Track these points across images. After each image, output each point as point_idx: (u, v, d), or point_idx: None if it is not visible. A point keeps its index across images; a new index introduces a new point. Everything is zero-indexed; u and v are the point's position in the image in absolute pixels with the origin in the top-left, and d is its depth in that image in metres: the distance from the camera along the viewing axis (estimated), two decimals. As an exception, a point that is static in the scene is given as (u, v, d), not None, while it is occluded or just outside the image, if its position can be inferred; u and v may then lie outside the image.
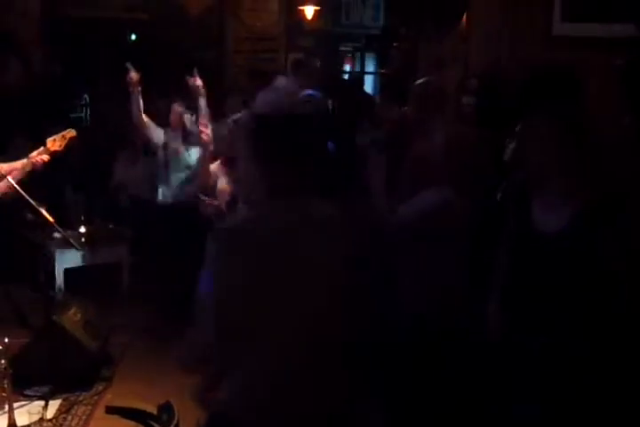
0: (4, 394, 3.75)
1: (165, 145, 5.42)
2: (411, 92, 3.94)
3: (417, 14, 5.36)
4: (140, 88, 5.21)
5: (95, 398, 4.10)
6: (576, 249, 2.41)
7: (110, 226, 5.88)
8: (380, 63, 7.37)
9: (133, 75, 5.17)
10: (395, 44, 6.40)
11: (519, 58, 4.47)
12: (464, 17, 5.33)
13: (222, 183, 4.27)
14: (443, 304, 2.90)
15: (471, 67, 4.75)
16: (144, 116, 5.39)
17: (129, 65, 5.21)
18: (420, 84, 3.90)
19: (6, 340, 3.72)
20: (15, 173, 4.17)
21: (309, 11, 9.24)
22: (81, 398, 4.07)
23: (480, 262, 2.84)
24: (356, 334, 2.01)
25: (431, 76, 4.00)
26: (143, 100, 5.38)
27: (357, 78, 9.26)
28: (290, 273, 1.95)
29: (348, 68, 10.80)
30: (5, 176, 4.05)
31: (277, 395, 1.99)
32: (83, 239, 5.26)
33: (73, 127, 4.52)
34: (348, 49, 10.35)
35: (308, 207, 2.00)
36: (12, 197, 4.48)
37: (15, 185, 4.00)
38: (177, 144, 5.47)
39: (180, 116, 5.49)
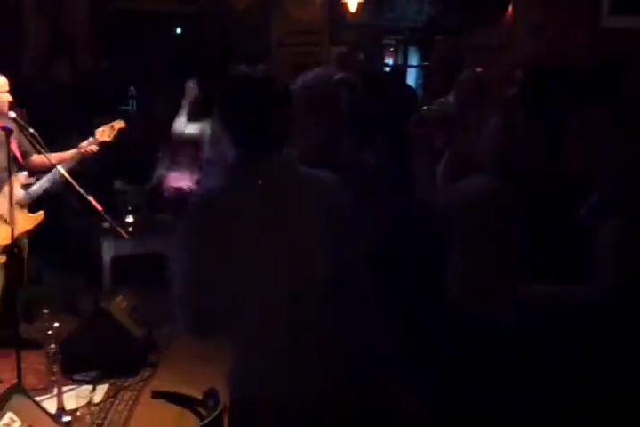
0: (53, 378, 3.87)
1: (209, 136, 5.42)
2: (455, 83, 3.95)
3: (462, 6, 5.34)
4: (194, 104, 5.24)
5: (141, 383, 4.19)
6: None
7: (156, 216, 5.97)
8: (423, 56, 7.34)
9: (192, 89, 5.20)
10: (439, 37, 6.38)
11: (566, 50, 4.43)
12: (509, 8, 5.30)
13: None
14: (481, 294, 2.86)
15: (517, 58, 4.72)
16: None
17: (192, 82, 5.25)
18: (465, 75, 3.90)
19: (56, 325, 3.83)
20: (65, 162, 4.27)
21: (352, 4, 9.23)
22: (127, 384, 4.16)
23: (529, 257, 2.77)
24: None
25: (475, 68, 3.99)
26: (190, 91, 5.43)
27: (399, 71, 9.22)
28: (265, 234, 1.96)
29: (390, 61, 10.76)
30: (56, 166, 4.15)
31: (277, 363, 2.02)
32: (130, 229, 5.34)
33: (120, 119, 4.61)
34: (391, 42, 10.32)
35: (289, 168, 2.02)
36: (61, 187, 4.62)
37: (65, 174, 4.10)
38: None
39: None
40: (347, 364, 2.04)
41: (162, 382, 4.18)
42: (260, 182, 1.95)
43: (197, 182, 5.88)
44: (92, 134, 4.46)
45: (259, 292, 1.99)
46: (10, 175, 3.73)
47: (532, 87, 4.02)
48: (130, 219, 5.56)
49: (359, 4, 9.20)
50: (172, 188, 5.97)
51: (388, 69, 10.31)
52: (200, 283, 1.99)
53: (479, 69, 4.01)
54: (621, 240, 2.39)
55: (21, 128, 4.04)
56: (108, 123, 4.51)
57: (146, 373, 4.31)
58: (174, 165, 6.43)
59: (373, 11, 9.48)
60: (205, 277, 1.98)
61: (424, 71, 7.64)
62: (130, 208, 5.66)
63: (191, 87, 5.21)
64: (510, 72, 4.52)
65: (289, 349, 2.01)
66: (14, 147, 4.01)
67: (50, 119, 5.30)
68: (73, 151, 4.39)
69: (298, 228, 1.97)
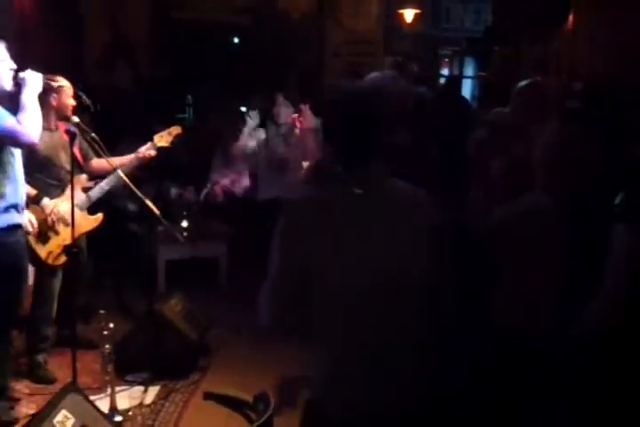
0: (107, 378, 3.93)
1: (267, 142, 5.43)
2: (513, 94, 3.90)
3: (520, 17, 5.29)
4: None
5: (192, 386, 4.23)
6: None
7: (210, 222, 6.05)
8: (479, 66, 7.30)
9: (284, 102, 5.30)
10: (496, 47, 6.34)
11: (628, 61, 4.35)
12: (568, 19, 5.23)
13: None
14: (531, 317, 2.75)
15: (577, 69, 4.65)
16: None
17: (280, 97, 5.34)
18: (523, 86, 3.85)
19: (111, 325, 3.90)
20: (124, 167, 4.35)
21: (409, 14, 9.25)
22: (178, 386, 4.20)
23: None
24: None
25: (535, 78, 3.95)
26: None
27: (454, 82, 9.18)
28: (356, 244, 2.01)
29: (446, 71, 10.72)
30: (116, 170, 4.24)
31: (363, 371, 2.04)
32: (185, 233, 5.42)
33: (178, 125, 4.69)
34: (447, 52, 10.28)
35: (382, 184, 2.06)
36: (119, 190, 4.72)
37: (125, 178, 4.18)
38: (279, 140, 5.47)
39: (286, 112, 5.52)
40: (427, 374, 2.07)
41: (212, 385, 4.21)
42: (358, 191, 2.02)
43: (249, 186, 5.96)
44: (150, 139, 4.55)
45: (347, 295, 2.03)
46: (72, 178, 3.82)
47: (593, 99, 3.95)
48: (185, 224, 5.64)
49: (416, 14, 9.21)
50: (224, 188, 6.04)
51: (443, 80, 10.28)
52: (292, 279, 2.08)
53: (538, 79, 3.96)
54: None
55: (83, 132, 4.13)
56: (165, 129, 4.60)
57: (196, 376, 4.35)
58: (227, 169, 6.53)
59: (430, 21, 9.48)
60: (297, 275, 2.07)
61: (480, 82, 7.58)
62: (185, 213, 5.74)
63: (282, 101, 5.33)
64: (570, 83, 4.46)
65: (373, 355, 2.04)
66: (76, 150, 4.11)
67: (108, 123, 5.42)
68: (131, 156, 4.48)
69: (392, 236, 2.02)
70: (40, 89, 3.58)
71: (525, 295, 2.70)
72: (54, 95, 4.17)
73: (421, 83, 6.12)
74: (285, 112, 5.51)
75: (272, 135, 5.48)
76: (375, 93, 2.09)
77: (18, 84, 3.52)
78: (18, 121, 3.37)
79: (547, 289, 2.66)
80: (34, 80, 3.54)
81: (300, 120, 5.06)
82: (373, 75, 5.05)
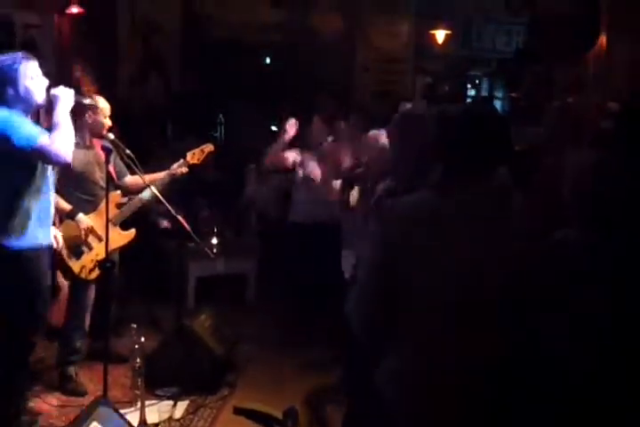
0: (137, 392, 3.96)
1: (302, 163, 5.40)
2: (545, 114, 3.88)
3: (553, 38, 5.30)
4: (291, 136, 5.31)
5: (220, 402, 4.24)
6: None
7: (240, 239, 6.10)
8: (509, 88, 7.31)
9: (293, 124, 5.28)
10: (528, 68, 6.35)
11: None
12: (598, 40, 5.22)
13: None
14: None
15: (611, 90, 4.64)
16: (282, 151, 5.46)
17: (292, 121, 5.35)
18: (557, 107, 3.84)
19: (142, 340, 3.93)
20: (157, 183, 4.41)
21: (440, 35, 9.29)
22: (207, 401, 4.22)
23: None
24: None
25: (568, 99, 3.93)
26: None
27: (485, 103, 9.20)
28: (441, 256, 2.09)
29: (474, 92, 10.74)
30: (149, 186, 4.29)
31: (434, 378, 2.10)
32: (214, 250, 5.46)
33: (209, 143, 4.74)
34: (478, 73, 10.31)
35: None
36: (150, 207, 4.78)
37: (158, 194, 4.23)
38: (314, 160, 5.42)
39: (322, 132, 5.48)
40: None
41: (240, 400, 4.22)
42: (458, 203, 2.13)
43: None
44: (182, 156, 4.61)
45: (433, 302, 2.10)
46: (107, 194, 3.89)
47: (630, 122, 3.88)
48: (215, 240, 5.69)
49: (446, 35, 9.25)
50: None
51: (472, 100, 10.30)
52: (385, 283, 2.16)
53: (570, 100, 3.95)
54: None
55: (119, 149, 4.20)
56: (197, 146, 4.66)
57: (225, 391, 4.37)
58: (260, 187, 6.60)
59: (461, 42, 9.51)
60: (390, 282, 2.15)
61: (510, 103, 7.59)
62: (215, 230, 5.80)
63: (292, 124, 5.29)
64: (604, 104, 4.43)
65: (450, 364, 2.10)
66: (111, 167, 4.17)
67: (141, 140, 5.50)
68: (164, 173, 4.54)
69: (481, 248, 2.10)
70: (72, 105, 3.54)
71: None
72: (89, 113, 4.25)
73: (451, 103, 6.11)
74: (321, 132, 5.50)
75: (306, 155, 5.48)
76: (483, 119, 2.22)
77: (51, 100, 3.50)
78: (51, 139, 3.32)
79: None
80: (66, 97, 3.51)
81: (334, 140, 5.04)
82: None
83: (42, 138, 3.31)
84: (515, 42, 8.64)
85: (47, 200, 3.54)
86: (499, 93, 10.38)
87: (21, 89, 3.39)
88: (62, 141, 3.35)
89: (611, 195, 2.40)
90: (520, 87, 6.18)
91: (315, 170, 5.30)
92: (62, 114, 3.46)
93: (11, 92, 3.36)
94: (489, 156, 2.20)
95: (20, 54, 3.46)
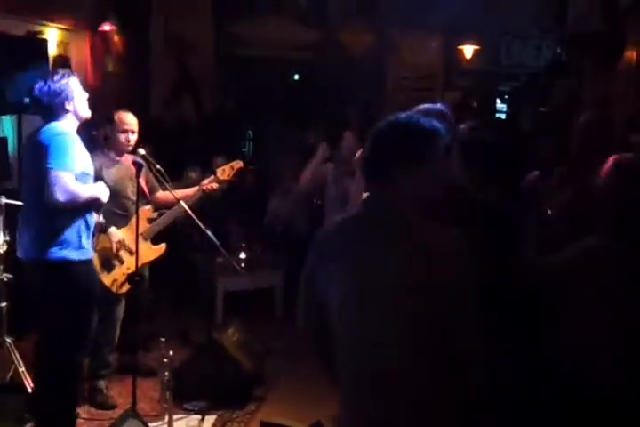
0: (165, 405, 3.98)
1: (336, 180, 5.44)
2: (575, 128, 3.85)
3: (583, 51, 5.29)
4: (323, 159, 5.36)
5: (248, 416, 4.25)
6: None
7: (267, 253, 6.12)
8: (539, 102, 7.29)
9: (325, 148, 5.35)
10: (557, 82, 6.33)
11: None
12: (624, 52, 5.17)
13: None
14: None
15: (640, 104, 4.60)
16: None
17: (325, 145, 5.42)
18: (586, 120, 3.79)
19: (171, 353, 3.96)
20: (187, 199, 4.46)
21: (469, 50, 9.30)
22: (235, 416, 4.23)
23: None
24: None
25: (598, 112, 3.90)
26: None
27: (514, 117, 9.17)
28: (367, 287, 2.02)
29: (504, 107, 10.70)
30: (179, 201, 4.34)
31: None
32: (242, 265, 5.49)
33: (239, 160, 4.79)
34: (506, 88, 10.28)
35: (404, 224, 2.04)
36: (182, 222, 4.82)
37: (188, 210, 4.27)
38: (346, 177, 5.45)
39: (354, 148, 5.50)
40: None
41: (268, 415, 4.21)
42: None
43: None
44: (211, 173, 4.65)
45: (364, 329, 2.03)
46: (137, 208, 3.94)
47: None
48: (243, 255, 5.72)
49: (475, 50, 9.26)
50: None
51: (502, 115, 10.27)
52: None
53: (600, 112, 3.91)
54: None
55: (150, 164, 4.26)
56: (226, 163, 4.71)
57: (252, 406, 4.37)
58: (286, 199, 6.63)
59: (489, 57, 9.51)
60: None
61: (539, 116, 7.56)
62: (244, 245, 5.83)
63: (324, 148, 5.36)
64: (633, 117, 4.40)
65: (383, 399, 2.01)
66: (143, 182, 4.24)
67: (171, 156, 5.56)
68: (195, 188, 4.59)
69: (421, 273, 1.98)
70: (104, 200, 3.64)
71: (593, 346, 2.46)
72: (118, 130, 4.34)
73: (480, 118, 6.13)
74: (353, 147, 5.51)
75: (337, 172, 5.53)
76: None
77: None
78: (66, 179, 3.35)
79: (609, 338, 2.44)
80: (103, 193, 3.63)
81: None
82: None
83: (63, 171, 3.35)
84: (543, 57, 8.62)
85: (92, 213, 3.65)
86: (528, 108, 10.32)
87: (75, 104, 3.53)
88: (70, 192, 3.37)
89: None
90: (549, 102, 6.17)
91: (349, 187, 5.32)
92: (89, 192, 3.53)
93: (67, 108, 3.48)
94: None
95: (64, 72, 3.59)
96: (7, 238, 4.21)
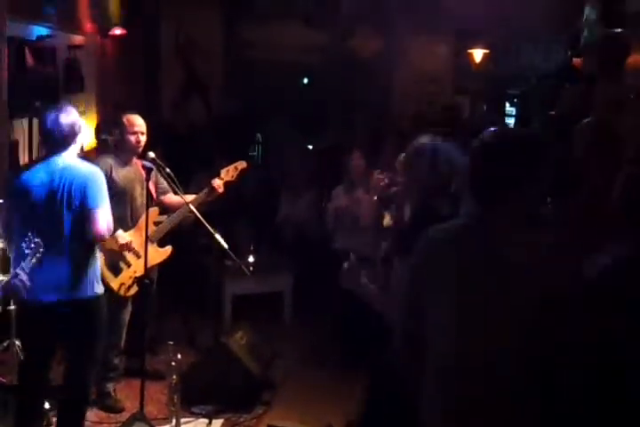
0: (172, 409, 3.98)
1: (347, 190, 5.50)
2: (575, 132, 3.77)
3: (593, 55, 5.26)
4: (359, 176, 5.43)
5: (255, 420, 4.24)
6: None
7: (276, 257, 6.12)
8: (548, 105, 7.26)
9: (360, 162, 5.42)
10: (567, 86, 6.30)
11: None
12: (629, 57, 5.11)
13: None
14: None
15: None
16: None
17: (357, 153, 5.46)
18: (586, 124, 3.72)
19: (179, 356, 3.96)
20: (195, 202, 4.46)
21: (478, 54, 9.27)
22: (242, 420, 4.23)
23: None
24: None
25: (599, 117, 3.85)
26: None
27: (524, 121, 9.12)
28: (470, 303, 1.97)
29: (514, 110, 10.67)
30: (187, 203, 4.34)
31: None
32: (251, 268, 5.48)
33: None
34: (516, 92, 10.25)
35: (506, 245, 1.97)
36: (190, 224, 4.82)
37: (196, 212, 4.27)
38: (359, 194, 5.52)
39: (362, 166, 5.63)
40: None
41: (275, 419, 4.21)
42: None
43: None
44: (217, 175, 4.66)
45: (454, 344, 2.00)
46: (147, 211, 3.95)
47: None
48: (251, 258, 5.72)
49: (485, 54, 9.23)
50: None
51: (512, 119, 10.23)
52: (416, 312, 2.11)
53: (600, 117, 3.85)
54: None
55: (159, 168, 4.26)
56: (230, 164, 4.72)
57: (260, 410, 4.36)
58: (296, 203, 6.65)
59: (499, 60, 9.48)
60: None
61: (549, 120, 7.53)
62: (252, 248, 5.83)
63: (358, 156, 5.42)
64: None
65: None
66: (151, 185, 4.24)
67: (179, 159, 5.57)
68: (202, 192, 4.59)
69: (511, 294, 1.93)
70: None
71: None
72: (127, 133, 4.35)
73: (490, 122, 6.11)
74: (361, 166, 5.59)
75: (348, 184, 5.63)
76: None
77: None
78: (105, 212, 3.45)
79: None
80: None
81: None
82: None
83: (103, 208, 3.44)
84: (553, 60, 8.58)
85: None
86: (536, 111, 10.29)
87: (84, 136, 3.66)
88: (111, 228, 3.50)
89: None
90: (559, 105, 6.13)
91: (359, 198, 5.41)
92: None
93: (77, 139, 3.53)
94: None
95: (67, 105, 3.64)
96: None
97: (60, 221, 3.40)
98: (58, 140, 3.46)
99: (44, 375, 3.58)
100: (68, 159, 3.47)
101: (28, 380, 3.56)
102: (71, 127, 3.47)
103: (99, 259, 3.66)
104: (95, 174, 3.48)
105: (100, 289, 3.57)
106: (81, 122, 3.59)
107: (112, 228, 3.53)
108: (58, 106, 3.58)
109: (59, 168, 3.43)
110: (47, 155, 3.53)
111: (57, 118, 3.43)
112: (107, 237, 3.52)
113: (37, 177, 3.44)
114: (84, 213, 3.40)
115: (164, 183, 4.54)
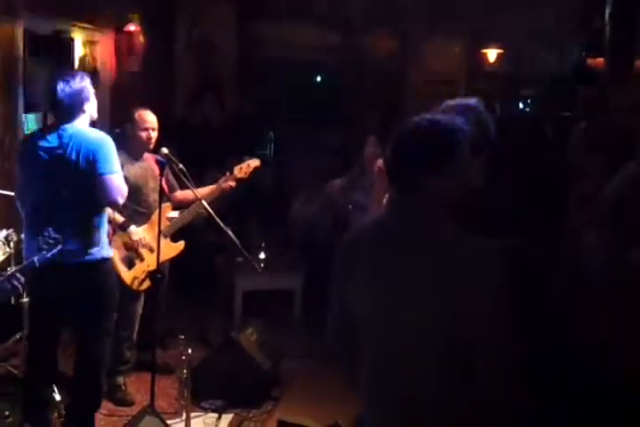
0: (182, 403, 4.00)
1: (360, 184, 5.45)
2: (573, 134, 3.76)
3: (610, 55, 5.24)
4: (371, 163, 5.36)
5: (264, 416, 4.26)
6: None
7: (287, 254, 6.13)
8: (562, 107, 7.25)
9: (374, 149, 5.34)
10: (582, 88, 6.29)
11: None
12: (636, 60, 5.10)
13: None
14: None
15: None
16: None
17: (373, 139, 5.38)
18: (584, 127, 3.72)
19: (190, 351, 3.98)
20: (207, 197, 4.48)
21: (492, 54, 9.25)
22: (251, 415, 4.24)
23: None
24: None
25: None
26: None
27: (535, 121, 9.10)
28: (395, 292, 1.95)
29: (527, 111, 10.65)
30: (200, 199, 4.35)
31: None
32: (262, 265, 5.49)
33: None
34: (530, 93, 10.22)
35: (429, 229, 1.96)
36: (202, 220, 4.84)
37: (208, 208, 4.29)
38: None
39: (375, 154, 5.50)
40: None
41: (284, 415, 4.21)
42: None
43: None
44: (230, 172, 4.68)
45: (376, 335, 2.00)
46: (160, 206, 3.97)
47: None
48: (263, 255, 5.73)
49: (498, 54, 9.21)
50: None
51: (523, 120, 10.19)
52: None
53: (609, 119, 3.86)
54: None
55: (171, 164, 4.28)
56: (245, 161, 4.73)
57: (269, 406, 4.38)
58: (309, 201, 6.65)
59: (513, 61, 9.46)
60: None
61: (562, 122, 7.53)
62: (263, 245, 5.84)
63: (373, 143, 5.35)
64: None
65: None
66: (163, 180, 4.25)
67: (192, 155, 5.58)
68: (212, 187, 4.61)
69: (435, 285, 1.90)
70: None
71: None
72: (139, 129, 4.37)
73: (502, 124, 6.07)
74: (376, 154, 5.50)
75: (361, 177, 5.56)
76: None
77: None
78: (119, 178, 3.48)
79: None
80: None
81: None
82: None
83: (116, 174, 3.45)
84: (567, 61, 8.55)
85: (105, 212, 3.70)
86: (550, 113, 10.26)
87: (93, 105, 3.58)
88: (124, 193, 3.52)
89: None
90: (573, 107, 6.12)
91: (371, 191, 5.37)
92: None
93: (85, 108, 3.51)
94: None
95: (81, 73, 3.63)
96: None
97: (69, 185, 3.41)
98: (65, 107, 3.44)
99: (52, 359, 3.63)
100: (79, 126, 3.47)
101: (36, 363, 3.59)
102: (78, 95, 3.44)
103: (106, 224, 3.67)
104: (105, 140, 3.46)
105: (108, 253, 3.58)
106: (90, 89, 3.54)
107: (125, 193, 3.51)
108: (67, 73, 3.58)
109: (67, 133, 3.43)
110: (57, 123, 3.52)
111: (65, 86, 3.42)
112: (120, 202, 3.52)
113: (46, 141, 3.44)
114: (94, 179, 3.39)
115: (172, 180, 4.56)
